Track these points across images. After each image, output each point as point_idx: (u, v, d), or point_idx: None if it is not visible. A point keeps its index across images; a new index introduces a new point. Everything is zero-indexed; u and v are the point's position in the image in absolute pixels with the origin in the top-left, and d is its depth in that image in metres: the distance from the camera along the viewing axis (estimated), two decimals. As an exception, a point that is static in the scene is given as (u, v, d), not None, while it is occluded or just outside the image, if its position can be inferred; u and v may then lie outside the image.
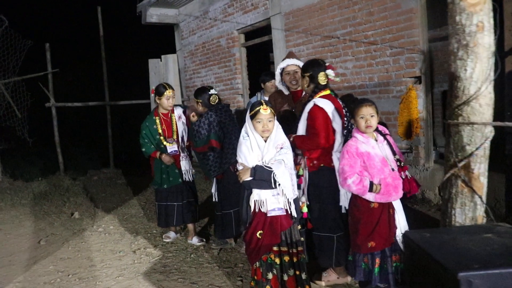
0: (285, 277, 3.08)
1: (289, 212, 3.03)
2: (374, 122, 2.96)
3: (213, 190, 4.55)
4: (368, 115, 2.94)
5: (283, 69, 4.12)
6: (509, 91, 3.77)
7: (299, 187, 3.33)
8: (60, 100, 9.83)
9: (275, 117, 3.07)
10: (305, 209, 3.30)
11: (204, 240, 4.71)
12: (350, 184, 2.92)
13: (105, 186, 8.20)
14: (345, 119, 3.37)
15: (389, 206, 2.96)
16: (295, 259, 3.07)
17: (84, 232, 5.41)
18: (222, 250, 4.43)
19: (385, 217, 2.94)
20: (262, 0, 7.48)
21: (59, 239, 5.20)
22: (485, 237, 1.93)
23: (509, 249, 1.82)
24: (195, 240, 4.70)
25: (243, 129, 3.12)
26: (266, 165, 2.98)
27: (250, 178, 2.99)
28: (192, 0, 9.38)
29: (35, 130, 9.69)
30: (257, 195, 3.04)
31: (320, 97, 3.32)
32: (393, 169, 2.95)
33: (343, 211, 3.27)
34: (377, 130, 3.04)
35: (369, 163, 2.92)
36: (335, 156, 3.28)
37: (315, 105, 3.27)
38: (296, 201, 3.06)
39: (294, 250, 3.07)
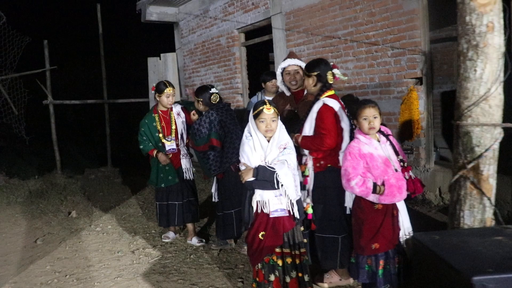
0: (288, 279, 3.03)
1: (292, 213, 2.99)
2: (377, 123, 2.92)
3: (213, 190, 4.50)
4: (371, 117, 2.90)
5: (284, 69, 4.08)
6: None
7: (304, 188, 3.28)
8: (58, 98, 9.75)
9: (279, 117, 3.03)
10: (310, 210, 3.25)
11: (204, 240, 4.67)
12: (354, 186, 2.88)
13: (103, 185, 8.13)
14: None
15: (393, 207, 2.93)
16: (297, 261, 3.03)
17: (81, 231, 5.35)
18: (222, 251, 4.39)
19: (389, 218, 2.91)
20: (262, -1, 7.45)
21: (56, 239, 5.14)
22: (495, 240, 1.89)
23: (522, 252, 1.78)
24: (194, 241, 4.65)
25: (246, 129, 3.08)
26: (269, 165, 2.94)
27: (253, 179, 2.95)
28: (192, -2, 9.35)
29: (32, 127, 9.60)
30: (260, 196, 2.99)
31: (326, 96, 3.28)
32: (396, 170, 2.91)
33: (348, 212, 3.23)
34: (379, 130, 3.01)
35: (372, 164, 2.88)
36: (342, 156, 3.25)
37: (324, 105, 3.22)
38: (299, 202, 3.02)
39: (297, 252, 3.03)
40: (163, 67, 9.96)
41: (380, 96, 5.67)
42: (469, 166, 2.18)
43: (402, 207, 2.97)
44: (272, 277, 3.04)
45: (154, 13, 9.78)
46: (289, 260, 3.04)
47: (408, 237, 2.96)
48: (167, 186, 4.67)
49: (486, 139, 2.20)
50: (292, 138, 3.19)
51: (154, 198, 4.98)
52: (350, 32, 5.95)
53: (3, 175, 8.80)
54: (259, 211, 3.01)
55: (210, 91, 4.24)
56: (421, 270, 1.91)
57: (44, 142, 10.42)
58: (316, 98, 3.32)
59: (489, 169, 2.22)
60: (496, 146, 2.22)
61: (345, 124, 3.21)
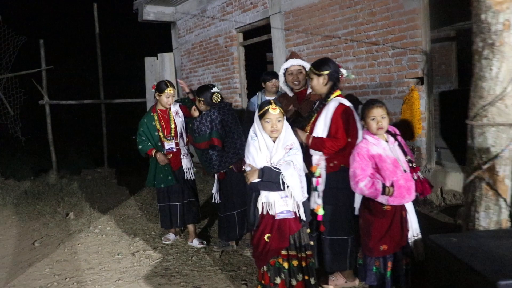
0: (294, 282, 2.99)
1: (298, 215, 2.94)
2: (385, 123, 2.88)
3: (214, 190, 4.45)
4: (379, 117, 2.86)
5: (286, 70, 4.03)
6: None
7: (315, 189, 3.22)
8: (54, 98, 9.66)
9: (285, 117, 2.98)
10: (321, 212, 3.18)
11: (205, 242, 4.61)
12: (362, 188, 2.84)
13: (100, 186, 8.05)
14: None
15: (401, 208, 2.89)
16: (303, 264, 2.99)
17: (80, 233, 5.27)
18: (224, 252, 4.33)
19: (397, 219, 2.87)
20: (261, -2, 7.40)
21: (55, 241, 5.07)
22: (515, 242, 1.86)
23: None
24: (195, 242, 4.59)
25: (251, 129, 3.02)
26: (275, 166, 2.89)
27: (258, 180, 2.90)
28: (189, -2, 9.29)
29: (28, 128, 9.50)
30: (265, 197, 2.95)
31: (337, 96, 3.23)
32: (405, 171, 2.88)
33: (356, 212, 3.19)
34: (387, 131, 2.97)
35: (381, 165, 2.84)
36: None
37: (341, 104, 3.16)
38: (306, 203, 2.98)
39: (303, 254, 2.98)
40: (160, 67, 9.90)
41: (380, 96, 5.64)
42: (485, 167, 2.14)
43: (410, 208, 2.94)
44: (278, 280, 3.00)
45: (151, 12, 9.71)
46: (295, 262, 2.99)
47: (416, 238, 2.93)
48: (168, 187, 4.61)
49: (502, 139, 2.16)
50: (298, 137, 3.13)
51: (156, 200, 4.92)
52: (350, 32, 5.93)
53: (-2, 176, 8.71)
54: (264, 212, 2.97)
55: (212, 91, 4.19)
56: (438, 273, 1.87)
57: (40, 142, 10.31)
58: (325, 98, 3.25)
59: (505, 170, 2.18)
60: (513, 146, 2.18)
61: (359, 123, 3.17)
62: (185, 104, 4.71)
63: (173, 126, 4.68)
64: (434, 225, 4.63)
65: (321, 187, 3.22)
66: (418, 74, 5.19)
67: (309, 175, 3.25)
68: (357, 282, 3.42)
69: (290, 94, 4.05)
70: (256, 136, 2.97)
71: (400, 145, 2.96)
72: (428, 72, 5.16)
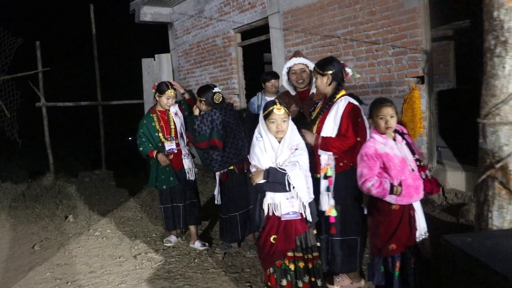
0: (300, 284, 2.96)
1: (304, 216, 2.92)
2: (394, 122, 2.86)
3: (216, 192, 4.42)
4: (388, 116, 2.84)
5: (289, 69, 4.00)
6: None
7: (328, 189, 3.17)
8: (50, 100, 9.59)
9: (290, 117, 2.95)
10: (334, 213, 3.14)
11: (207, 244, 4.57)
12: (370, 188, 2.81)
13: (98, 188, 8.00)
14: None
15: (409, 208, 2.87)
16: (310, 265, 2.96)
17: (80, 236, 5.23)
18: (226, 254, 4.29)
19: (406, 219, 2.85)
20: (259, -2, 7.37)
21: (55, 244, 5.01)
22: (530, 242, 1.83)
23: None
24: (197, 244, 4.56)
25: (256, 130, 2.99)
26: (280, 167, 2.86)
27: (263, 181, 2.87)
28: (186, -2, 9.25)
29: (25, 130, 9.42)
30: (271, 198, 2.92)
31: (342, 96, 3.21)
32: (413, 170, 2.86)
33: (365, 212, 3.16)
34: (395, 130, 2.95)
35: (389, 164, 2.81)
36: None
37: (350, 103, 3.13)
38: (312, 204, 2.94)
39: (309, 256, 2.96)
40: (158, 68, 9.85)
41: (381, 95, 5.61)
42: (497, 165, 2.12)
43: (418, 207, 2.92)
44: (284, 282, 2.97)
45: (148, 13, 9.66)
46: (301, 264, 2.97)
47: (424, 237, 2.91)
48: (170, 188, 4.58)
49: (516, 137, 2.14)
50: (317, 140, 3.10)
51: (156, 201, 4.88)
52: (350, 31, 5.91)
53: (-5, 179, 8.63)
54: (270, 214, 2.94)
55: (213, 91, 4.15)
56: (453, 273, 1.84)
57: (37, 145, 10.23)
58: (331, 98, 3.22)
59: (518, 169, 2.17)
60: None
61: (366, 122, 3.14)
62: (182, 105, 4.70)
63: (172, 126, 4.65)
64: (436, 224, 4.61)
65: (332, 187, 3.18)
66: (418, 73, 5.18)
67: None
68: (362, 282, 3.40)
69: (293, 93, 4.02)
70: (261, 137, 2.94)
71: (407, 144, 2.93)
72: (429, 71, 5.15)
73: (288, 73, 3.99)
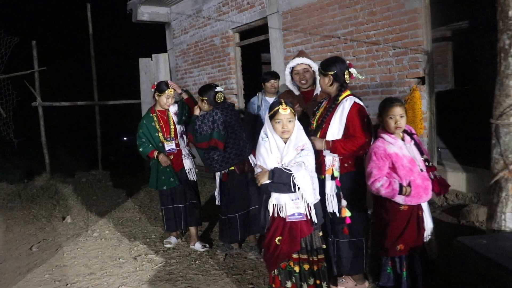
0: (305, 286, 2.94)
1: (309, 218, 2.88)
2: (403, 122, 2.83)
3: (217, 192, 4.38)
4: (398, 116, 2.81)
5: (292, 68, 3.98)
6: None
7: (338, 190, 3.13)
8: (47, 99, 9.51)
9: (296, 117, 2.92)
10: (348, 213, 3.10)
11: (208, 245, 4.53)
12: (379, 188, 2.78)
13: (95, 189, 7.93)
14: None
15: (418, 208, 2.85)
16: (315, 268, 2.93)
17: (78, 237, 5.17)
18: (227, 255, 4.25)
19: (414, 219, 2.83)
20: (258, -2, 7.34)
21: (53, 245, 4.95)
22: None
23: None
24: (198, 246, 4.51)
25: (262, 130, 2.97)
26: (285, 167, 2.83)
27: (268, 181, 2.84)
28: (184, -2, 9.20)
29: (21, 130, 9.34)
30: (276, 199, 2.89)
31: (346, 96, 3.17)
32: (421, 170, 2.83)
33: (369, 212, 3.14)
34: (403, 130, 2.92)
35: (398, 164, 2.79)
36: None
37: (356, 103, 3.10)
38: (318, 206, 2.91)
39: (315, 258, 2.93)
40: (155, 68, 9.79)
41: (381, 96, 5.60)
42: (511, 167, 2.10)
43: (425, 207, 2.90)
44: (289, 284, 2.95)
45: (146, 13, 9.60)
46: (306, 266, 2.95)
47: (430, 237, 2.89)
48: (170, 189, 4.53)
49: (530, 138, 2.12)
50: (328, 145, 3.07)
51: (154, 202, 4.83)
52: (350, 32, 5.89)
53: (-10, 180, 8.54)
54: (275, 215, 2.91)
55: (215, 90, 4.11)
56: (468, 275, 1.82)
57: (33, 145, 10.14)
58: (336, 98, 3.19)
59: (533, 170, 2.15)
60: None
61: (371, 123, 3.12)
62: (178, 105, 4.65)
63: (172, 126, 4.61)
64: (437, 225, 4.60)
65: (342, 188, 3.14)
66: (419, 74, 5.17)
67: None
68: (366, 284, 3.37)
69: (296, 92, 3.99)
70: (267, 137, 2.91)
71: (416, 144, 2.91)
72: (430, 72, 5.14)
73: (291, 73, 3.96)
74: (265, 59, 10.86)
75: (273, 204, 2.90)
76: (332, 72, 3.17)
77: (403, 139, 2.89)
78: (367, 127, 3.07)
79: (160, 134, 4.55)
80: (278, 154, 2.89)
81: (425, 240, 2.88)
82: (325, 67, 3.21)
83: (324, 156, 3.15)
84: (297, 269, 2.94)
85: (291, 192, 2.82)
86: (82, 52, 12.10)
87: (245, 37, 8.16)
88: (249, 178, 4.18)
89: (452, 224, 4.62)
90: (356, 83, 5.88)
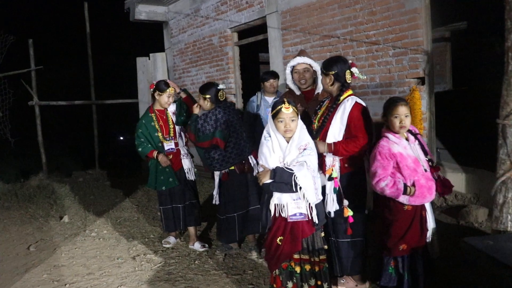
0: (306, 287, 2.92)
1: (311, 218, 2.86)
2: (408, 122, 2.82)
3: (215, 192, 4.35)
4: (402, 115, 2.80)
5: (293, 68, 3.96)
6: None
7: (336, 191, 3.11)
8: (43, 99, 9.45)
9: (299, 117, 2.89)
10: (351, 212, 3.08)
11: (207, 245, 4.50)
12: (384, 188, 2.77)
13: (93, 188, 7.88)
14: None
15: (421, 208, 2.84)
16: (316, 268, 2.91)
17: (76, 237, 5.13)
18: (227, 255, 4.22)
19: (417, 219, 2.82)
20: (257, -2, 7.32)
21: (50, 245, 4.91)
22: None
23: None
24: (197, 246, 4.48)
25: (265, 129, 2.94)
26: (287, 167, 2.81)
27: (270, 181, 2.82)
28: (182, -3, 9.17)
29: (17, 129, 9.27)
30: (277, 199, 2.87)
31: (348, 96, 3.15)
32: (425, 170, 2.82)
33: (366, 212, 3.12)
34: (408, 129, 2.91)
35: (402, 164, 2.78)
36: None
37: (357, 103, 3.08)
38: (319, 206, 2.89)
39: (316, 259, 2.91)
40: (153, 67, 9.76)
41: (381, 96, 5.60)
42: (518, 167, 2.09)
43: (429, 207, 2.89)
44: (290, 284, 2.93)
45: (143, 12, 9.57)
46: (307, 267, 2.93)
47: (432, 237, 2.88)
48: (169, 189, 4.50)
49: (538, 139, 2.11)
50: (330, 147, 3.05)
51: (152, 202, 4.79)
52: (350, 32, 5.88)
53: (-14, 179, 8.47)
54: (277, 215, 2.89)
55: (218, 87, 4.09)
56: (476, 276, 1.80)
57: (30, 144, 10.08)
58: (337, 98, 3.17)
59: (539, 171, 2.13)
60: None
61: (372, 123, 3.10)
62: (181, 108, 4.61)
63: (171, 126, 4.58)
64: (437, 225, 4.59)
65: (337, 189, 3.12)
66: (419, 74, 5.16)
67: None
68: (367, 285, 3.35)
69: (297, 92, 3.97)
70: (270, 136, 2.89)
71: (420, 144, 2.90)
72: (429, 72, 5.14)
73: (292, 72, 3.94)
74: (263, 59, 10.84)
75: (275, 204, 2.88)
76: (333, 72, 3.15)
77: (407, 139, 2.88)
78: (369, 128, 3.06)
79: (160, 134, 4.52)
80: (280, 154, 2.87)
81: (427, 240, 2.87)
82: (326, 66, 3.19)
83: (325, 156, 3.14)
84: (298, 269, 2.92)
85: (293, 191, 2.79)
86: (79, 51, 12.05)
87: (244, 37, 8.14)
88: (249, 178, 4.16)
89: (451, 225, 4.62)
90: (356, 83, 5.87)
